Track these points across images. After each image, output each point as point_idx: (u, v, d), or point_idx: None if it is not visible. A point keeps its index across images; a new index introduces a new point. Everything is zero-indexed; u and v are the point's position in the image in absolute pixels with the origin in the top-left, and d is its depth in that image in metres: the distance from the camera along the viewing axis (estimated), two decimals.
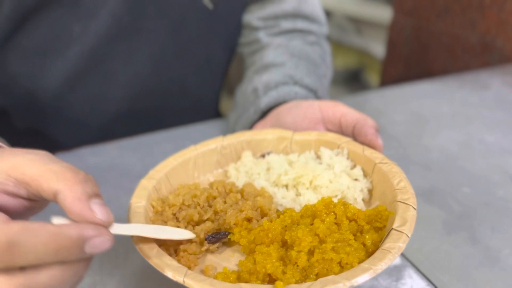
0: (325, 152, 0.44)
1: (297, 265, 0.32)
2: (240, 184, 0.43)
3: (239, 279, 0.32)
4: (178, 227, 0.37)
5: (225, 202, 0.39)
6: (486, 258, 0.43)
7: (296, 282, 0.31)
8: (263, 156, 0.47)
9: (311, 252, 0.33)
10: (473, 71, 0.94)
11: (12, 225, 0.25)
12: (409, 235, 0.32)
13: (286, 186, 0.43)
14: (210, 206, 0.40)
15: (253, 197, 0.40)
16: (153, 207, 0.39)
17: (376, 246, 0.33)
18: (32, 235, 0.25)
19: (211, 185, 0.42)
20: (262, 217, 0.38)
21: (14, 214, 0.30)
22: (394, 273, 0.42)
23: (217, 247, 0.37)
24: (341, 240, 0.33)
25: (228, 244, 0.38)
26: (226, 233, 0.37)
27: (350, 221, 0.36)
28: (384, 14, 1.74)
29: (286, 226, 0.35)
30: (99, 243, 0.27)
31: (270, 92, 0.57)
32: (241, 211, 0.37)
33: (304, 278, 0.32)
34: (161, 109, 0.73)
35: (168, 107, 0.74)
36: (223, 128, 0.69)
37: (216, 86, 0.80)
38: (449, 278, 0.41)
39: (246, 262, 0.33)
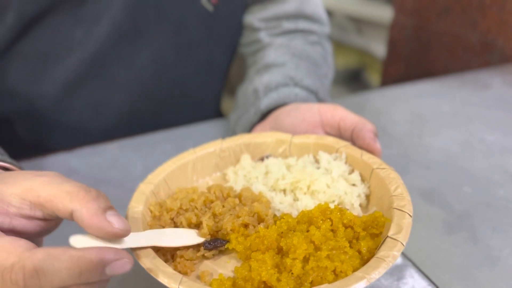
0: (324, 156, 0.44)
1: (292, 273, 0.32)
2: (238, 188, 0.43)
3: (234, 286, 0.33)
4: None
5: (223, 206, 0.39)
6: (487, 257, 0.44)
7: None
8: (262, 159, 0.47)
9: (306, 260, 0.33)
10: (473, 71, 0.94)
11: (37, 252, 0.27)
12: (404, 244, 0.32)
13: (284, 190, 0.43)
14: (209, 208, 0.39)
15: (250, 202, 0.40)
16: (151, 211, 0.39)
17: (372, 254, 0.33)
18: (56, 260, 0.27)
19: (209, 189, 0.42)
20: (259, 223, 0.38)
21: (32, 236, 0.32)
22: (396, 272, 0.42)
23: (213, 254, 0.37)
24: (336, 248, 0.33)
25: (225, 250, 0.38)
26: (224, 241, 0.37)
27: (346, 227, 0.35)
28: (385, 14, 1.74)
29: (282, 232, 0.35)
30: (119, 266, 0.28)
31: (270, 94, 0.57)
32: (238, 217, 0.37)
33: (298, 286, 0.32)
34: (162, 112, 0.73)
35: (169, 110, 0.73)
36: (224, 128, 0.69)
37: (217, 88, 0.80)
38: (450, 277, 0.41)
39: (241, 269, 0.33)
